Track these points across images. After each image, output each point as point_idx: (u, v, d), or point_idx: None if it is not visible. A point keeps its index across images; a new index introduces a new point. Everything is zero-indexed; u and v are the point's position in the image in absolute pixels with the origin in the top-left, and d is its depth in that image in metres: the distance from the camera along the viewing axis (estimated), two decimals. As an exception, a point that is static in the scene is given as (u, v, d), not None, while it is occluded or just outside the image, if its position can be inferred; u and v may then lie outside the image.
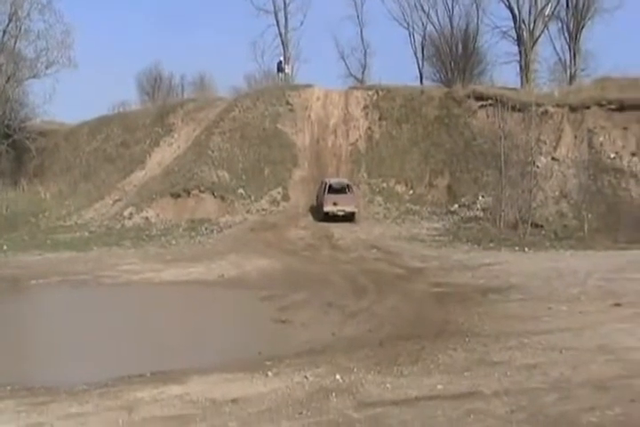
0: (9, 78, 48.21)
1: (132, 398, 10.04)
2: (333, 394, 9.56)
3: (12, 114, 50.82)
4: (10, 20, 47.96)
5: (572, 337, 12.26)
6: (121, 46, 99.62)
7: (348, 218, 34.07)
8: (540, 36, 48.80)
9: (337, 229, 31.53)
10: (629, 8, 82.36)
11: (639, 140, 33.33)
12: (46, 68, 48.62)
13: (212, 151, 39.79)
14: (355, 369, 10.89)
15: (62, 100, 71.67)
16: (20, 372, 13.26)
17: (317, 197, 36.24)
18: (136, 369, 11.95)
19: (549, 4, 48.50)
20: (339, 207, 33.99)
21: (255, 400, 9.56)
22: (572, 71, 49.60)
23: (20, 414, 9.46)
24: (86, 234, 33.87)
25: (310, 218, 35.03)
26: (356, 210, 34.56)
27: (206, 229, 33.57)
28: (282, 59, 51.67)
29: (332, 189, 34.60)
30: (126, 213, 36.36)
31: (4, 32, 48.25)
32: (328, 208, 34.01)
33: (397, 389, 9.75)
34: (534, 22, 48.54)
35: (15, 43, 48.84)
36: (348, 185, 35.36)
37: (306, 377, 10.57)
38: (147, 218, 35.67)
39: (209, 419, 8.81)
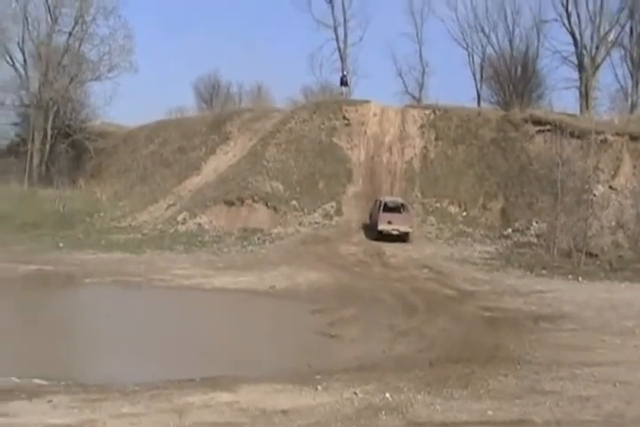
0: (72, 80, 49.35)
1: (182, 402, 10.13)
2: (382, 412, 9.55)
3: (74, 114, 52.07)
4: (76, 24, 49.26)
5: (625, 371, 12.09)
6: (181, 52, 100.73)
7: (402, 238, 33.61)
8: (601, 62, 48.39)
9: (389, 247, 31.45)
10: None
11: (700, 173, 32.84)
12: (108, 71, 50.01)
13: (267, 162, 39.96)
14: (404, 389, 10.87)
15: (122, 102, 72.87)
16: (73, 368, 13.49)
17: (371, 214, 35.82)
18: (186, 373, 12.06)
19: (613, 31, 48.09)
20: (393, 226, 33.51)
21: (304, 413, 9.59)
22: (634, 99, 49.04)
23: (73, 409, 9.62)
24: (139, 236, 34.24)
25: (362, 235, 34.74)
26: (410, 230, 34.02)
27: (258, 238, 33.70)
28: (345, 73, 51.70)
29: (387, 208, 34.16)
30: (180, 218, 36.65)
31: (70, 35, 49.51)
32: (382, 227, 33.50)
33: (447, 411, 9.70)
34: (596, 48, 48.14)
35: (79, 46, 50.04)
36: (403, 204, 34.99)
37: (355, 393, 10.57)
38: (200, 224, 35.91)
39: (258, 428, 8.87)
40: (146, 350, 14.74)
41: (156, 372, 12.48)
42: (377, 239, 33.41)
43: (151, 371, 12.66)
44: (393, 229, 33.46)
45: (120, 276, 24.16)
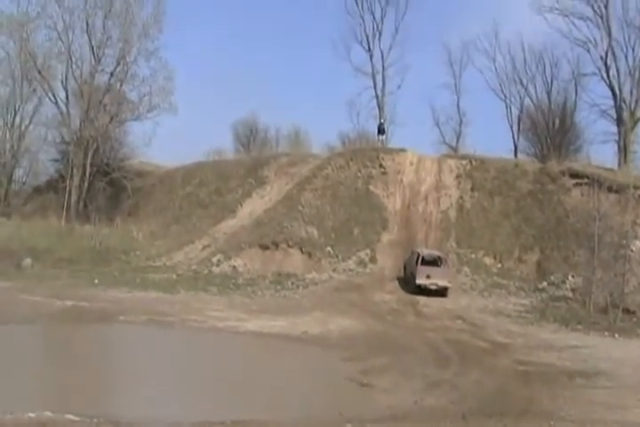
0: (112, 119, 50.19)
1: (213, 444, 10.15)
2: (416, 464, 9.48)
3: (112, 153, 52.95)
4: (118, 64, 50.19)
5: (663, 431, 11.90)
6: (221, 95, 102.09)
7: (441, 292, 32.41)
8: (641, 117, 48.29)
9: (422, 297, 31.29)
10: None
11: None
12: (148, 111, 50.63)
13: (303, 207, 40.15)
14: (438, 441, 10.79)
15: (160, 142, 73.84)
16: (105, 406, 13.56)
17: (405, 266, 35.21)
18: (217, 416, 12.09)
19: (652, 85, 48.01)
20: (432, 281, 32.35)
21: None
22: (672, 155, 48.82)
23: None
24: (174, 276, 34.38)
25: (396, 284, 34.38)
26: (449, 285, 32.77)
27: (292, 283, 33.71)
28: (382, 121, 52.13)
29: (425, 261, 33.11)
30: (214, 260, 36.80)
31: (112, 75, 50.47)
32: (421, 281, 32.33)
33: (482, 465, 9.61)
34: (636, 102, 48.10)
35: (121, 85, 51.01)
36: (440, 257, 33.91)
37: (388, 443, 10.52)
38: (234, 266, 36.02)
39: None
40: (178, 391, 14.80)
41: (188, 413, 12.53)
42: (414, 293, 32.39)
43: (183, 412, 12.70)
44: (431, 284, 32.35)
45: (154, 315, 24.27)
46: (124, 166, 51.78)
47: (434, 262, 33.30)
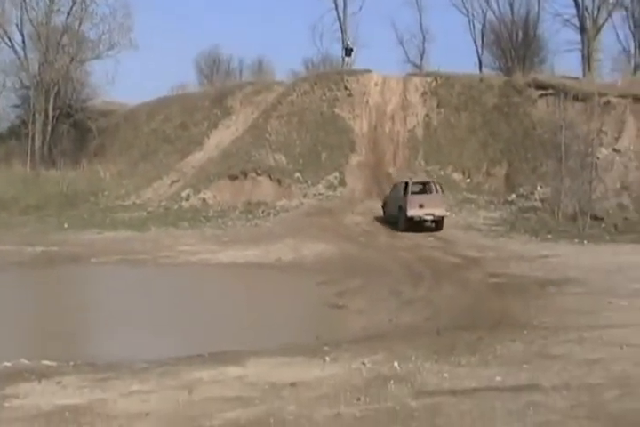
0: (72, 59, 49.10)
1: (191, 378, 10.14)
2: (391, 381, 9.53)
3: (75, 94, 51.83)
4: (74, 3, 48.81)
5: (633, 333, 12.04)
6: (180, 29, 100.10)
7: (437, 225, 29.12)
8: (603, 24, 47.98)
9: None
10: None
11: None
12: (108, 49, 49.56)
13: (270, 135, 39.89)
14: (412, 357, 10.86)
15: (123, 81, 72.66)
16: (82, 348, 13.57)
17: (385, 203, 31.71)
18: (194, 349, 12.09)
19: (614, -8, 47.52)
20: (426, 210, 28.68)
21: (313, 385, 9.59)
22: (637, 61, 48.68)
23: (83, 389, 9.62)
24: (144, 214, 34.28)
25: (367, 204, 34.28)
26: (447, 213, 29.62)
27: (263, 212, 33.75)
28: (349, 42, 51.41)
29: (415, 189, 30.08)
30: (184, 194, 36.68)
31: (69, 14, 49.12)
32: (414, 212, 28.55)
33: (455, 379, 9.69)
34: (598, 10, 47.69)
35: (79, 25, 49.71)
36: (431, 182, 31.09)
37: (364, 363, 10.57)
38: (204, 199, 35.96)
39: (268, 402, 8.85)
40: (154, 328, 14.79)
41: (165, 349, 12.55)
42: (405, 230, 28.89)
43: (160, 348, 12.72)
44: (426, 214, 28.79)
45: (126, 254, 24.25)
46: (87, 107, 50.83)
47: (426, 190, 30.70)
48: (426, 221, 28.96)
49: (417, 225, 28.79)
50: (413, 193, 29.54)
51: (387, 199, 31.83)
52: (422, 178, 33.02)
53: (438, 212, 28.85)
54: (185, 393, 9.28)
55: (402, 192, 29.92)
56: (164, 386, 9.75)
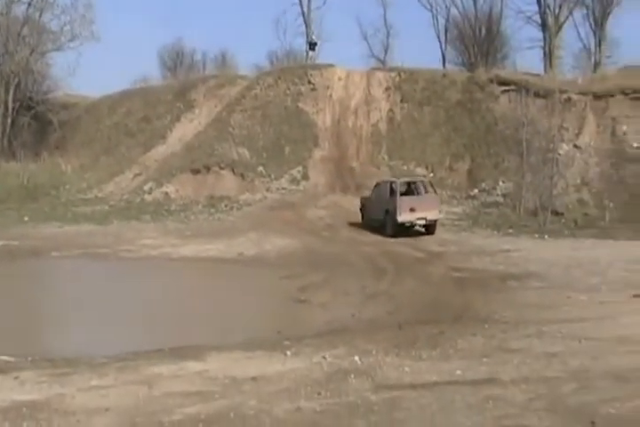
0: (33, 51, 48.48)
1: (150, 372, 10.12)
2: (352, 376, 9.58)
3: (35, 86, 51.19)
4: (35, -7, 48.13)
5: (591, 327, 12.21)
6: (144, 21, 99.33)
7: (429, 230, 26.64)
8: (564, 22, 48.39)
9: (356, 210, 31.35)
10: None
11: (663, 131, 32.89)
12: (69, 41, 49.04)
13: (233, 128, 39.72)
14: (373, 351, 10.92)
15: (85, 73, 71.97)
16: (40, 343, 13.43)
17: (365, 204, 28.99)
18: (155, 344, 12.04)
19: (575, -10, 47.96)
20: (418, 214, 25.96)
21: (274, 379, 9.61)
22: (597, 58, 49.19)
23: (41, 385, 9.56)
24: (106, 207, 34.02)
25: (330, 198, 34.24)
26: (440, 216, 27.19)
27: (226, 206, 33.63)
28: (313, 36, 51.41)
29: (403, 190, 27.40)
30: (146, 188, 36.45)
31: (29, 5, 48.57)
32: (405, 217, 25.85)
33: (416, 373, 9.76)
34: (559, 8, 48.09)
35: (40, 16, 49.10)
36: (420, 182, 28.59)
37: (325, 358, 10.61)
38: (166, 193, 35.76)
39: (228, 396, 8.86)
40: (114, 322, 14.67)
41: (125, 343, 12.48)
42: (393, 236, 26.17)
43: (120, 343, 12.65)
44: (419, 219, 26.11)
45: (87, 248, 24.03)
46: (48, 99, 50.23)
47: (413, 191, 27.99)
48: (416, 227, 26.64)
49: (407, 230, 26.47)
50: (402, 194, 26.91)
51: (366, 201, 29.09)
52: (411, 177, 30.66)
53: (431, 215, 26.35)
54: (145, 388, 9.25)
55: (388, 193, 27.28)
56: (124, 381, 9.71)
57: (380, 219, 27.14)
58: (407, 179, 29.08)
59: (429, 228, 26.51)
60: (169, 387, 9.35)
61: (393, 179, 28.68)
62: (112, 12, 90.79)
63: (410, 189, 27.94)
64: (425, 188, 27.97)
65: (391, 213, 26.17)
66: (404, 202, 26.08)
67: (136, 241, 25.41)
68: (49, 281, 20.63)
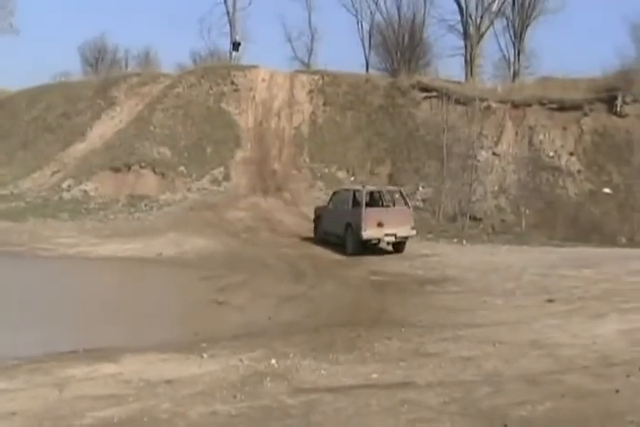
0: (-53, 41, 47.10)
1: (63, 375, 9.91)
2: (268, 379, 9.56)
3: (-51, 78, 49.74)
4: (-50, -16, 46.87)
5: (505, 331, 12.41)
6: (66, 16, 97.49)
7: (398, 248, 23.41)
8: (485, 31, 49.13)
9: (276, 212, 31.37)
10: (571, 10, 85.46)
11: (577, 141, 33.71)
12: (-14, 32, 47.80)
13: (155, 127, 39.31)
14: (290, 354, 10.90)
15: (2, 66, 70.13)
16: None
17: (320, 216, 25.71)
18: (69, 346, 11.80)
19: (496, 1, 48.83)
20: (387, 230, 22.53)
21: (189, 382, 9.52)
22: (516, 68, 50.21)
23: (-55, 387, 9.28)
24: (22, 204, 33.27)
25: (250, 200, 34.06)
26: (413, 233, 23.25)
27: (146, 205, 33.22)
28: (237, 38, 51.28)
29: (369, 201, 23.95)
30: (65, 186, 35.75)
31: (-56, -5, 47.16)
32: (371, 233, 22.45)
33: (332, 376, 9.77)
34: (481, 18, 48.88)
35: (-45, 6, 47.81)
36: (389, 191, 26.10)
37: (241, 360, 10.55)
38: (85, 191, 35.13)
39: (142, 399, 8.74)
40: (27, 323, 14.30)
41: (38, 345, 12.15)
42: (355, 254, 22.91)
43: (32, 344, 12.31)
44: (387, 235, 22.72)
45: (1, 246, 23.44)
46: (-39, 92, 48.99)
47: (381, 202, 25.01)
48: (384, 242, 23.38)
49: (371, 248, 23.38)
50: (368, 205, 23.29)
51: (322, 212, 25.75)
52: (378, 185, 27.82)
53: (402, 231, 22.84)
54: (55, 391, 9.06)
55: (350, 204, 23.87)
56: (34, 384, 9.49)
57: (338, 234, 23.90)
58: (374, 187, 25.66)
59: (398, 246, 23.36)
60: (81, 390, 9.18)
61: (357, 187, 25.31)
62: (32, 3, 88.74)
63: (376, 200, 24.81)
64: (394, 199, 25.54)
65: (354, 227, 22.82)
66: (370, 215, 22.57)
67: (53, 239, 24.91)
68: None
